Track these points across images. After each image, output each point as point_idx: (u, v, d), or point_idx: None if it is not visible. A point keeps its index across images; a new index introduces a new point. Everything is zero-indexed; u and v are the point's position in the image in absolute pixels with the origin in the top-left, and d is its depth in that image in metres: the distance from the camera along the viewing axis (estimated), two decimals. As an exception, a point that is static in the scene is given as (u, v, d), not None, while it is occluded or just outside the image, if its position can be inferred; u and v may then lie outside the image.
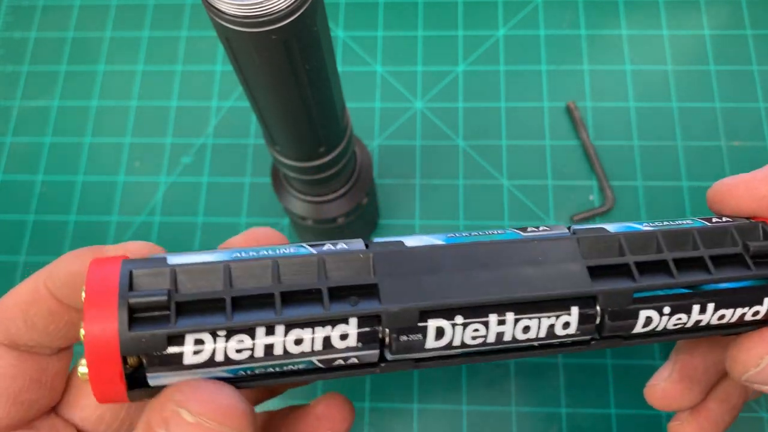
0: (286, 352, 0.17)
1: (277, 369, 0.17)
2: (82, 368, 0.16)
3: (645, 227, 0.20)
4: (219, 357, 0.16)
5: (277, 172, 0.33)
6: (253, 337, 0.16)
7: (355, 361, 0.17)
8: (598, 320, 0.18)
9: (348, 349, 0.17)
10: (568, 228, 0.20)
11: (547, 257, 0.18)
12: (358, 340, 0.17)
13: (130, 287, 0.16)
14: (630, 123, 0.41)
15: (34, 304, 0.18)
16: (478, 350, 0.18)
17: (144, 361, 0.16)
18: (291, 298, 0.17)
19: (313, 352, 0.17)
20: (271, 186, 0.33)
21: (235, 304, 0.17)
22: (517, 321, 0.18)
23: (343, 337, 0.17)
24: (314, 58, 0.21)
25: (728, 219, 0.21)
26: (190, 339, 0.16)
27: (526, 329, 0.18)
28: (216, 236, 0.39)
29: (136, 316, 0.16)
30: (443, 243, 0.18)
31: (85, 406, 0.20)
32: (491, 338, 0.18)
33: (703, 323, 0.19)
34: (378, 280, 0.17)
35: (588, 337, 0.19)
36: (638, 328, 0.19)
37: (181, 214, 0.40)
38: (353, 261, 0.18)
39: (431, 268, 0.18)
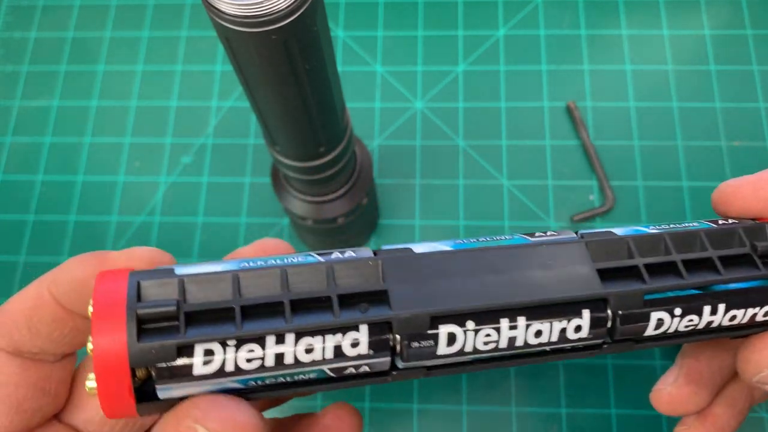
0: (297, 360, 0.16)
1: (288, 379, 0.17)
2: (90, 382, 0.16)
3: (651, 230, 0.20)
4: (229, 367, 0.16)
5: (277, 172, 0.33)
6: (263, 346, 0.16)
7: (367, 369, 0.17)
8: (609, 323, 0.18)
9: (359, 356, 0.17)
10: (576, 232, 0.20)
11: (557, 261, 0.18)
12: (369, 348, 0.17)
13: (138, 298, 0.16)
14: (630, 123, 0.41)
15: (38, 310, 0.18)
16: (490, 356, 0.18)
17: (153, 373, 0.16)
18: (301, 306, 0.17)
19: (324, 361, 0.17)
20: (271, 186, 0.33)
21: (245, 313, 0.16)
22: (528, 325, 0.17)
23: (354, 344, 0.17)
24: (314, 58, 0.21)
25: (734, 221, 0.21)
26: (199, 349, 0.16)
27: (538, 333, 0.18)
28: (216, 236, 0.39)
29: (144, 327, 0.16)
30: (451, 249, 0.18)
31: (87, 410, 0.20)
32: (503, 343, 0.17)
33: (714, 324, 0.19)
34: (388, 286, 0.17)
35: (600, 341, 0.18)
36: (650, 331, 0.18)
37: (181, 214, 0.40)
38: (362, 268, 0.18)
39: (441, 274, 0.18)
